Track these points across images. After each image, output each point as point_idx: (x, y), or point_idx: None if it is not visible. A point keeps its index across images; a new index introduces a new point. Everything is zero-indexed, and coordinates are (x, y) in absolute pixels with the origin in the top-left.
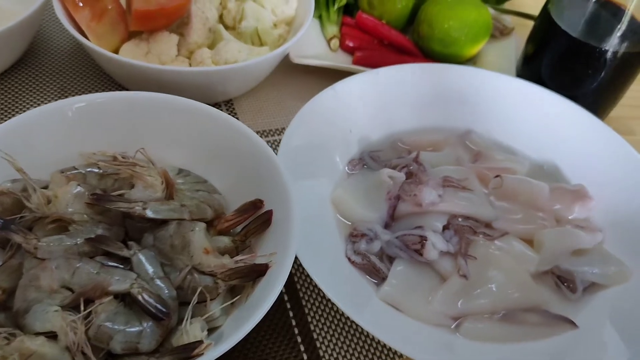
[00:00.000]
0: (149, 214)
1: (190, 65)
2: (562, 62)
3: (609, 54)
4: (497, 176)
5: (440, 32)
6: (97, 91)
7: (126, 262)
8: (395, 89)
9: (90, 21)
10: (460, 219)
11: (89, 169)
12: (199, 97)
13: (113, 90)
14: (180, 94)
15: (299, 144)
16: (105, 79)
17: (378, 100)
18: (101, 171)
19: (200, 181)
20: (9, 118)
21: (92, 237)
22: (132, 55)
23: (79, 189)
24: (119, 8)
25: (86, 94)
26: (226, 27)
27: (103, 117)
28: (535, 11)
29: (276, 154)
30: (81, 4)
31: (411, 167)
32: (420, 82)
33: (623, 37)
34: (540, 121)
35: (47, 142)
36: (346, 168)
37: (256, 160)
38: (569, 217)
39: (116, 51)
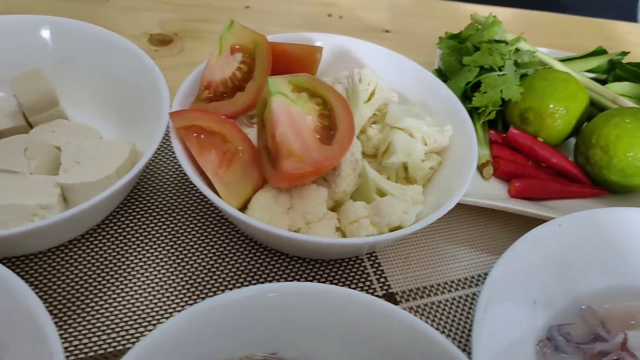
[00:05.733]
0: None
1: (338, 220)
2: None
3: None
4: None
5: (620, 162)
6: (213, 234)
7: None
8: (578, 241)
9: (217, 168)
10: None
11: None
12: (344, 254)
13: (235, 236)
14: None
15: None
16: (223, 220)
17: (560, 256)
18: None
19: None
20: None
21: None
22: (270, 211)
23: None
24: (251, 149)
25: (202, 235)
26: (363, 155)
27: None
28: None
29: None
30: (206, 145)
31: None
32: (609, 229)
33: None
34: None
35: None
36: (535, 354)
37: None
38: None
39: (247, 202)
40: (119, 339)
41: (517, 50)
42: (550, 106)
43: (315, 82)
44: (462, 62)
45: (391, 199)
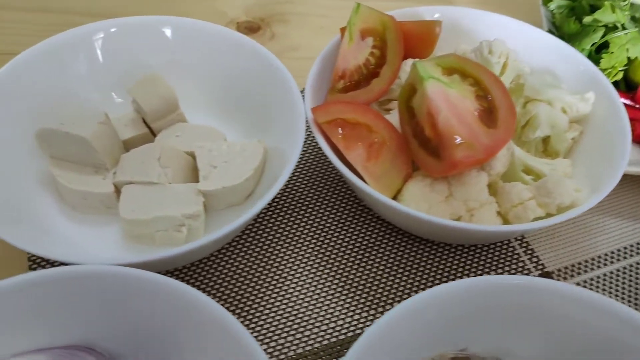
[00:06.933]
0: None
1: (496, 204)
2: None
3: None
4: None
5: None
6: (354, 226)
7: None
8: None
9: (366, 161)
10: None
11: None
12: (503, 238)
13: (376, 227)
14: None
15: None
16: (360, 211)
17: None
18: None
19: None
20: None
21: None
22: (427, 200)
23: None
24: (397, 138)
25: (344, 229)
26: None
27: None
28: None
29: None
30: (351, 139)
31: None
32: None
33: None
34: None
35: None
36: None
37: None
38: None
39: (398, 192)
40: (290, 343)
41: (631, 4)
42: None
43: (464, 61)
44: (583, 22)
45: (559, 177)
